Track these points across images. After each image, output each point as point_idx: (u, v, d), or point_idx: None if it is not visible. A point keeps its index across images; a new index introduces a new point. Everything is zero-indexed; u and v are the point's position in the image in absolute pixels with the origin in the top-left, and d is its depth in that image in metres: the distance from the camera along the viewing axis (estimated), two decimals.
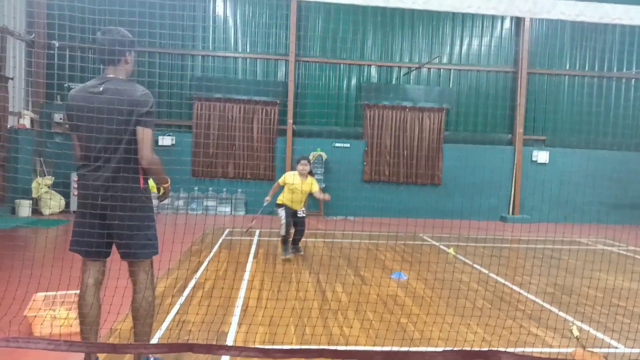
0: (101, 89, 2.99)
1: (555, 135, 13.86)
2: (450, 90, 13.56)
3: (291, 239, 7.24)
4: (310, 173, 7.26)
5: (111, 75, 3.08)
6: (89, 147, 2.98)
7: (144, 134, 2.95)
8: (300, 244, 7.52)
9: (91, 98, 2.99)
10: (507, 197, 13.64)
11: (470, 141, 13.54)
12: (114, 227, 3.02)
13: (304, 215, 7.26)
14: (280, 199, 7.15)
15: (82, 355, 3.17)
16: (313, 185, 7.15)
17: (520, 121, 13.52)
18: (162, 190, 3.31)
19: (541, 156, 13.64)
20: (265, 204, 7.12)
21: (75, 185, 3.16)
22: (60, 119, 12.04)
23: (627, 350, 4.06)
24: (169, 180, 3.29)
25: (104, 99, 2.96)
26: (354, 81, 13.42)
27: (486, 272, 6.84)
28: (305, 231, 7.43)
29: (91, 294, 3.07)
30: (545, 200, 12.66)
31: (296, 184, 6.91)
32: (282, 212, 7.03)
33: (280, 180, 7.12)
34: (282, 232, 7.01)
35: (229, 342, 3.89)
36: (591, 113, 13.78)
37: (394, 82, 13.56)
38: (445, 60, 13.60)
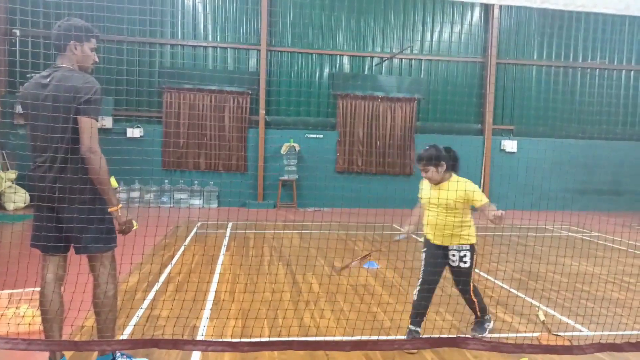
0: (48, 80, 2.94)
1: (523, 124, 14.15)
2: (422, 81, 13.66)
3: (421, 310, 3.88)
4: (453, 168, 3.96)
5: (63, 65, 3.00)
6: (35, 140, 2.92)
7: (83, 123, 2.85)
8: (485, 322, 4.09)
9: (38, 89, 2.94)
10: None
11: (441, 131, 13.69)
12: (64, 222, 2.97)
13: (465, 261, 3.79)
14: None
15: (47, 354, 3.09)
16: (464, 192, 3.75)
17: (490, 111, 13.74)
18: (116, 215, 2.95)
19: (509, 145, 13.92)
20: (399, 237, 4.12)
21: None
22: (19, 111, 11.63)
23: (591, 333, 4.20)
24: (118, 203, 2.96)
25: (50, 89, 2.91)
26: (326, 71, 13.37)
27: None
28: (475, 302, 3.96)
29: (51, 290, 3.02)
30: (513, 188, 12.91)
31: (425, 195, 3.95)
32: (423, 256, 3.95)
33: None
34: (414, 293, 3.88)
35: (200, 336, 3.86)
36: (558, 102, 14.11)
37: (366, 72, 13.57)
38: (416, 50, 13.67)
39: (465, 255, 3.77)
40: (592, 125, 14.22)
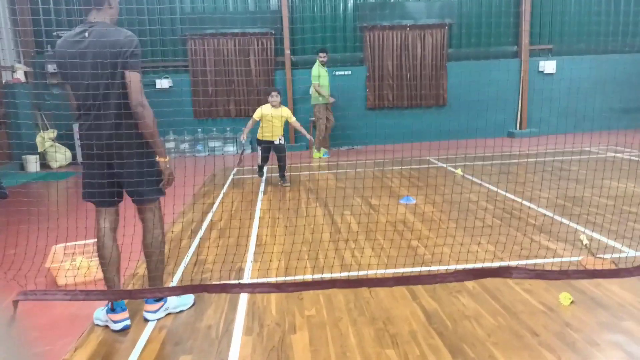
0: (86, 34, 2.94)
1: (563, 42, 13.33)
2: (452, 4, 12.92)
3: (265, 166, 8.35)
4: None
5: (97, 20, 2.99)
6: (84, 97, 2.98)
7: (131, 77, 2.92)
8: (286, 176, 8.05)
9: (77, 46, 2.93)
10: (513, 111, 13.39)
11: (475, 57, 13.08)
12: (122, 175, 3.10)
13: (282, 142, 7.87)
14: (259, 135, 7.91)
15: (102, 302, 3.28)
16: (287, 113, 7.90)
17: (526, 30, 12.95)
18: (164, 167, 3.12)
19: (548, 66, 13.21)
20: (242, 141, 8.07)
21: (78, 137, 3.22)
22: (54, 69, 11.76)
23: (638, 253, 4.11)
24: (167, 155, 3.13)
25: (90, 45, 2.91)
26: (350, 2, 12.80)
27: (495, 189, 6.85)
28: (287, 163, 8.02)
29: (109, 238, 3.20)
30: (553, 111, 12.39)
31: (271, 114, 7.64)
32: (259, 148, 8.08)
33: (256, 115, 7.68)
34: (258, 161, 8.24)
35: (246, 277, 3.99)
36: (601, 14, 13.14)
37: (392, 0, 12.93)
38: None
39: (281, 139, 7.82)
40: (637, 37, 13.26)
